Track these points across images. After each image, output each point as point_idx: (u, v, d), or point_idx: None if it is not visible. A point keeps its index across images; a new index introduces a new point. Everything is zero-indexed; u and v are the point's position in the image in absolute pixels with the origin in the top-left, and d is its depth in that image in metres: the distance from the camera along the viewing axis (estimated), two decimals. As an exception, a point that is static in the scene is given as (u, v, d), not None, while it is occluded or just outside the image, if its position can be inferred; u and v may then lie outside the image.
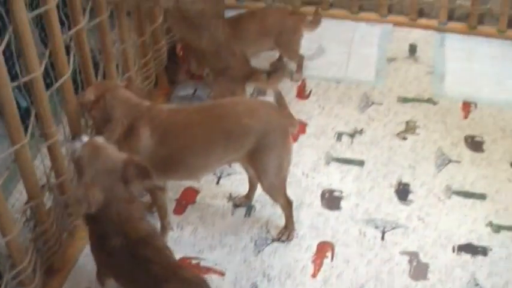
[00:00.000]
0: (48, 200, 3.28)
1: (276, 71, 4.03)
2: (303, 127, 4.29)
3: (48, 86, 3.11)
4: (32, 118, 3.07)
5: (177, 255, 3.18)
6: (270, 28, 4.58)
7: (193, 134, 3.29)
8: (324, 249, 3.61)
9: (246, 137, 3.28)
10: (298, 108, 4.42)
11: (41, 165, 3.29)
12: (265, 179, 3.43)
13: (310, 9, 5.07)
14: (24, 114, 3.06)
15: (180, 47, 4.54)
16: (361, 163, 4.07)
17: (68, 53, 3.23)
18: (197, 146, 3.30)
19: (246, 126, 3.28)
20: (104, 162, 2.92)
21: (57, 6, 3.08)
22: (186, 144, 3.30)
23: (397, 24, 5.23)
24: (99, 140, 3.02)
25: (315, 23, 4.72)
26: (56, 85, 3.17)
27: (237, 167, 3.81)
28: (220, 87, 4.11)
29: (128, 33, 3.91)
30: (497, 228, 3.66)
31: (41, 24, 3.43)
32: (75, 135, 3.16)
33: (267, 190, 3.51)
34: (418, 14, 5.23)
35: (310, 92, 4.63)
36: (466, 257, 3.54)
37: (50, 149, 3.22)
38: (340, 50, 5.01)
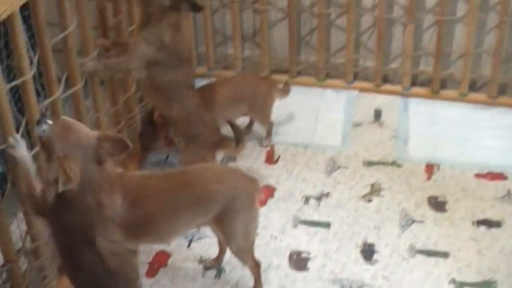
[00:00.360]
0: (23, 264, 3.34)
1: (240, 139, 4.15)
2: (271, 191, 4.40)
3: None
4: (9, 184, 3.14)
5: (149, 317, 3.25)
6: (244, 93, 4.73)
7: (163, 200, 3.36)
8: (292, 308, 3.69)
9: (214, 202, 3.37)
10: (267, 173, 4.55)
11: (17, 229, 3.37)
12: (234, 242, 3.52)
13: (279, 77, 5.24)
14: (1, 180, 3.14)
15: (157, 113, 4.59)
16: (327, 225, 4.16)
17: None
18: (167, 211, 3.37)
19: (214, 192, 3.37)
20: (76, 137, 2.75)
21: (34, 77, 3.18)
22: (156, 209, 3.36)
23: (362, 90, 5.38)
24: (69, 118, 2.88)
25: (285, 91, 4.88)
26: (32, 152, 3.23)
27: (208, 231, 3.88)
28: (191, 154, 4.22)
29: (101, 102, 4.03)
30: (460, 285, 3.76)
31: (17, 94, 3.54)
32: (39, 119, 2.89)
33: (236, 253, 3.60)
34: (383, 80, 5.39)
35: (279, 157, 4.74)
36: (430, 313, 3.64)
37: (26, 215, 3.28)
38: (307, 116, 5.14)
